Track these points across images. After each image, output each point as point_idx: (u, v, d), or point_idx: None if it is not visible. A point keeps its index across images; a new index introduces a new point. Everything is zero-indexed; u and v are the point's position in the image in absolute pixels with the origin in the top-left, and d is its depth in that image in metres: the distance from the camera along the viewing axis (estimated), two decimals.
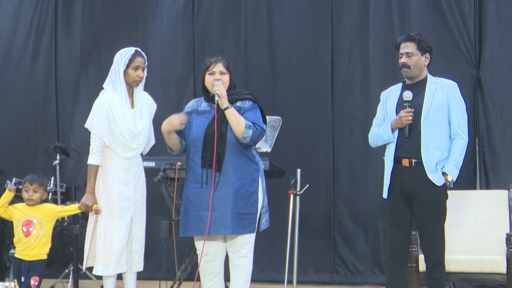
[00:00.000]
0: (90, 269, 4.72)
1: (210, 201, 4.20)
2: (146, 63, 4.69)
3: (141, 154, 4.86)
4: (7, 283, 5.04)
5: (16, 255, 4.77)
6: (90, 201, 4.56)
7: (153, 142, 4.85)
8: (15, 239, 4.78)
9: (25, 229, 4.73)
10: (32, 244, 4.71)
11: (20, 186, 6.25)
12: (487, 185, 6.07)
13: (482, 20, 6.23)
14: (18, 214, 4.77)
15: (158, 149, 5.00)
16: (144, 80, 4.71)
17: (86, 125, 4.64)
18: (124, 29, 7.13)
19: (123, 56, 4.62)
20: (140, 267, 4.68)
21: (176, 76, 7.00)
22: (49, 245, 4.80)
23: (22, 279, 4.68)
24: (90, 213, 4.68)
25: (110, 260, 4.54)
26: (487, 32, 6.19)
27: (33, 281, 4.67)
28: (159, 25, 7.04)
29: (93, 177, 4.59)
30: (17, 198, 6.21)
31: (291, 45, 6.71)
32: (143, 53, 4.68)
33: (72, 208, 4.76)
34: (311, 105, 6.62)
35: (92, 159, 4.59)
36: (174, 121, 4.25)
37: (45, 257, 4.77)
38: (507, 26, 6.17)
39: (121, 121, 4.58)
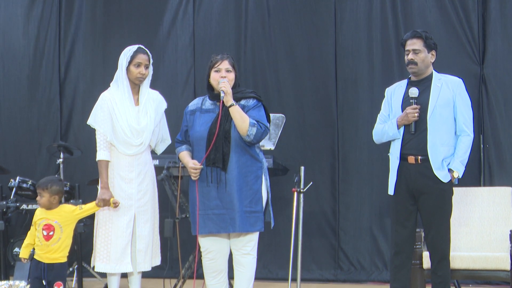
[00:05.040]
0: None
1: (197, 200, 4.23)
2: (151, 61, 4.69)
3: (154, 153, 4.87)
4: (11, 282, 5.04)
5: (35, 257, 4.67)
6: (107, 195, 4.57)
7: (168, 142, 4.85)
8: (36, 243, 4.67)
9: (45, 233, 4.62)
10: (53, 248, 4.61)
11: (24, 185, 6.30)
12: (491, 182, 6.06)
13: (485, 17, 6.22)
14: (37, 217, 4.68)
15: None
16: (149, 77, 4.71)
17: (89, 121, 4.68)
18: (126, 26, 7.13)
19: (126, 53, 4.65)
20: (146, 266, 4.67)
21: (176, 72, 7.00)
22: (69, 248, 4.71)
23: (44, 282, 4.60)
24: (95, 212, 4.68)
25: (109, 257, 4.55)
26: (491, 29, 6.18)
27: (57, 287, 4.57)
28: (159, 22, 7.04)
29: (105, 172, 4.60)
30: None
31: (294, 41, 6.70)
32: (147, 50, 4.68)
33: (91, 207, 4.68)
34: (315, 103, 6.62)
35: (100, 155, 4.61)
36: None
37: (65, 259, 4.67)
38: (511, 23, 6.16)
39: (122, 118, 4.59)
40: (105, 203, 4.57)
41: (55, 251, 4.63)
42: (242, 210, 4.18)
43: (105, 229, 4.59)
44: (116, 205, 4.56)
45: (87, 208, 4.71)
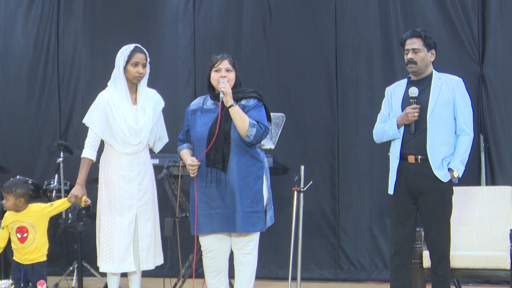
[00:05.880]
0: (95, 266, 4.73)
1: (195, 200, 4.24)
2: (148, 60, 4.69)
3: (153, 152, 4.88)
4: (11, 281, 5.05)
5: (14, 258, 4.71)
6: (80, 192, 4.58)
7: (166, 140, 4.85)
8: (12, 246, 4.70)
9: (19, 235, 4.65)
10: (30, 250, 4.65)
11: None
12: (492, 181, 6.07)
13: (485, 16, 6.22)
14: (8, 221, 4.69)
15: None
16: (147, 76, 4.71)
17: (84, 120, 4.68)
18: (125, 25, 7.13)
19: (123, 53, 4.64)
20: (149, 265, 4.67)
21: (176, 72, 7.00)
22: (47, 246, 4.74)
23: (21, 283, 4.63)
24: (97, 212, 4.68)
25: (112, 257, 4.55)
26: (490, 28, 6.19)
27: (40, 286, 4.60)
28: (159, 21, 7.05)
29: (85, 170, 4.61)
30: None
31: (294, 41, 6.70)
32: (143, 49, 4.67)
33: (61, 203, 4.72)
34: (315, 102, 6.62)
35: (85, 153, 4.61)
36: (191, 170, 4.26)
37: (44, 258, 4.70)
38: (510, 22, 6.16)
39: (120, 118, 4.59)
40: (76, 200, 4.59)
41: (32, 252, 4.65)
42: (244, 211, 4.17)
43: (107, 229, 4.59)
44: (86, 204, 4.58)
45: (58, 205, 4.75)
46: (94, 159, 4.63)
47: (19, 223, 4.66)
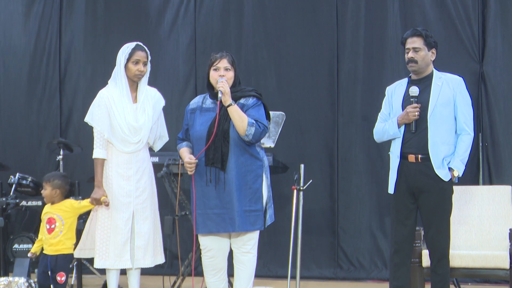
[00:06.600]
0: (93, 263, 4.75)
1: (193, 199, 4.26)
2: (149, 58, 4.69)
3: (153, 151, 4.88)
4: (10, 278, 5.10)
5: (44, 251, 4.86)
6: (98, 194, 4.59)
7: (166, 139, 4.86)
8: (42, 238, 4.88)
9: (48, 226, 4.82)
10: (54, 242, 4.79)
11: (23, 182, 6.31)
12: (490, 181, 6.07)
13: (485, 14, 6.22)
14: (43, 212, 4.89)
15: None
16: (147, 75, 4.71)
17: (86, 119, 4.68)
18: (127, 24, 7.13)
19: (124, 50, 4.64)
20: (145, 263, 4.67)
21: (177, 71, 7.00)
22: (73, 241, 4.86)
23: (49, 273, 4.77)
24: (94, 208, 4.70)
25: (108, 253, 4.57)
26: (490, 26, 6.18)
27: (59, 277, 4.75)
28: (160, 20, 7.05)
29: (100, 171, 4.62)
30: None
31: (295, 40, 6.70)
32: (145, 47, 4.68)
33: (87, 204, 4.77)
34: (315, 100, 6.62)
35: (96, 153, 4.62)
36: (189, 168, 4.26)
37: (70, 251, 4.82)
38: (510, 21, 6.16)
39: (120, 116, 4.59)
40: (98, 202, 4.61)
41: (57, 244, 4.79)
42: (242, 210, 4.17)
43: (104, 226, 4.61)
44: (106, 203, 4.58)
45: (84, 205, 4.82)
46: (106, 157, 4.63)
47: (50, 214, 4.83)
